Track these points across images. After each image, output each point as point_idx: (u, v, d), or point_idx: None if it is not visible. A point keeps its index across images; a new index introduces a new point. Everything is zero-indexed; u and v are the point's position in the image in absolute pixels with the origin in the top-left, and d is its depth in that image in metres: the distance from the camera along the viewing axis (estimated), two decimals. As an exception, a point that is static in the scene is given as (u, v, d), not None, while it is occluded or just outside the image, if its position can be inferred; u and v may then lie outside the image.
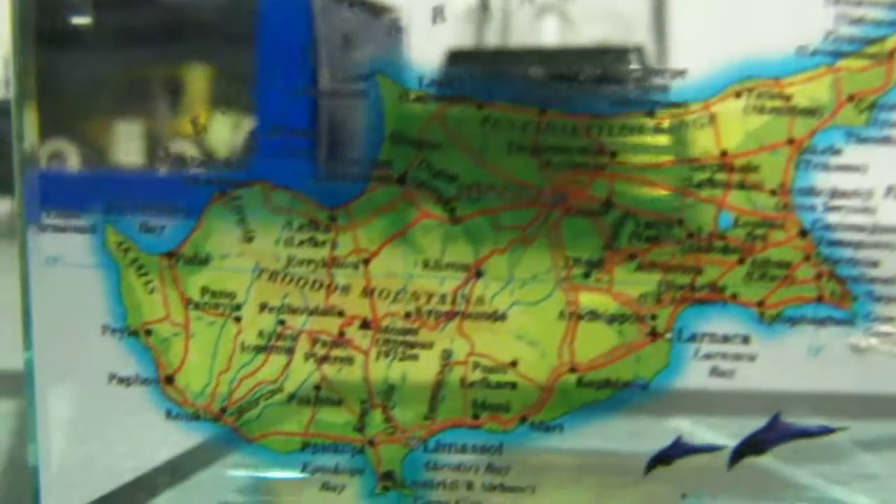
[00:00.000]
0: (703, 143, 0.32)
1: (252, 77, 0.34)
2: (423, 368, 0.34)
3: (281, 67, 0.33)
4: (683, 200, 0.33)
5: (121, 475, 0.36)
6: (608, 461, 0.37)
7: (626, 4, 0.35)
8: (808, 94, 0.32)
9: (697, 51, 0.32)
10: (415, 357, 0.34)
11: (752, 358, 0.33)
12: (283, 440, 0.34)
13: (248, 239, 0.33)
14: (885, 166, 0.32)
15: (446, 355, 0.34)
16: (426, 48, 0.32)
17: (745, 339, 0.33)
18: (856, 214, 0.33)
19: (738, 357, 0.33)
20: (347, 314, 0.34)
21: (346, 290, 0.34)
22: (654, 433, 0.35)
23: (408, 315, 0.34)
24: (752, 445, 0.35)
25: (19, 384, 0.35)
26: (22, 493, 0.35)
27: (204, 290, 0.34)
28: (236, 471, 0.36)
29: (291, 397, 0.34)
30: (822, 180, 0.33)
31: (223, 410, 0.34)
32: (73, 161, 0.35)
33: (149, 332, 0.34)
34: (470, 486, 0.35)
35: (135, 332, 0.34)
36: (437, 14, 0.32)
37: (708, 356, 0.33)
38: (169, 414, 0.34)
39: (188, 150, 0.33)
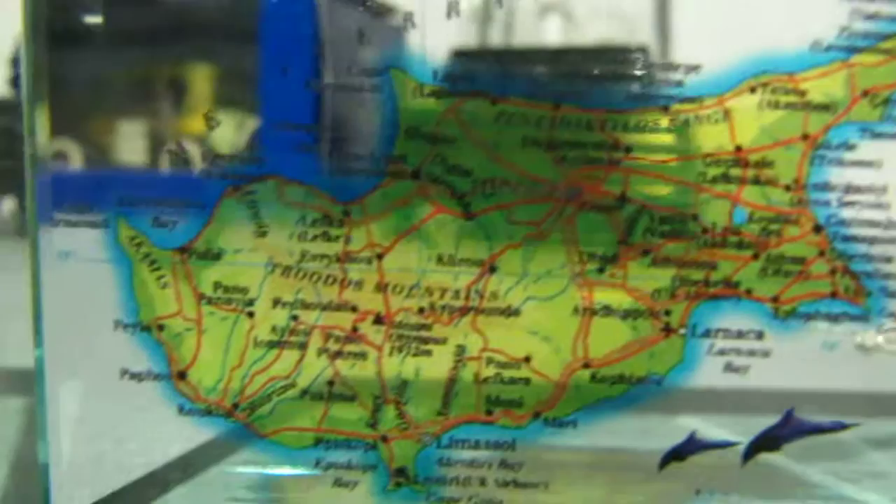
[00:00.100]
0: (718, 138, 0.32)
1: (257, 74, 0.34)
2: (437, 364, 0.34)
3: (288, 62, 0.32)
4: (698, 196, 0.33)
5: (132, 471, 0.36)
6: (620, 458, 0.37)
7: (630, 3, 0.35)
8: (823, 89, 0.32)
9: (705, 47, 0.32)
10: (428, 352, 0.34)
11: (766, 354, 0.33)
12: (295, 436, 0.34)
13: (262, 234, 0.33)
14: (900, 162, 0.33)
15: (460, 351, 0.34)
16: (440, 43, 0.32)
17: (760, 335, 0.33)
18: (870, 210, 0.33)
19: (752, 353, 0.33)
20: (361, 309, 0.34)
21: (359, 285, 0.33)
22: (665, 431, 0.35)
23: (421, 310, 0.34)
24: (766, 441, 0.34)
25: (28, 382, 0.34)
26: (33, 490, 0.35)
27: (217, 285, 0.34)
28: (246, 468, 0.36)
29: (304, 393, 0.34)
30: (837, 176, 0.33)
31: (235, 406, 0.34)
32: (76, 161, 0.35)
33: (161, 328, 0.34)
34: (483, 482, 0.34)
35: (147, 328, 0.34)
36: (452, 8, 0.32)
37: (722, 352, 0.33)
38: (181, 409, 0.34)
39: (194, 150, 0.33)
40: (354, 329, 0.34)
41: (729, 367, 0.33)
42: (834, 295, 0.33)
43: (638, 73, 0.32)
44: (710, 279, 0.33)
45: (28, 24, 0.33)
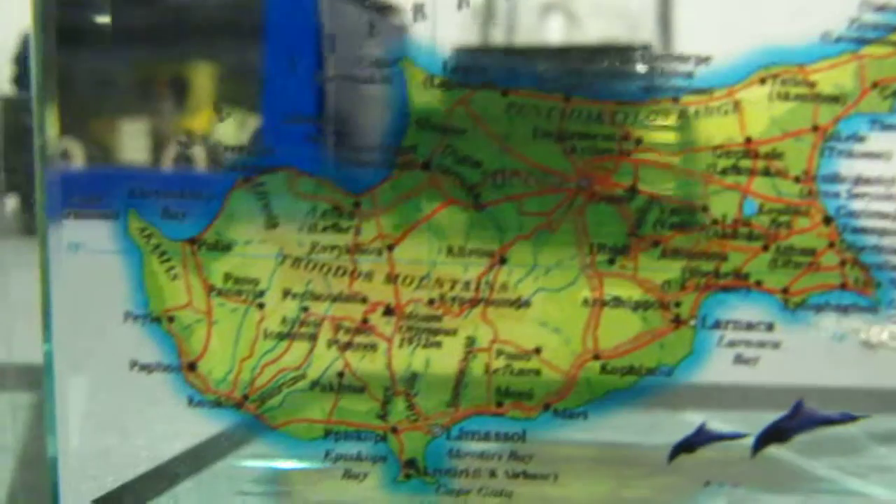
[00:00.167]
0: (728, 129, 0.33)
1: (261, 71, 0.34)
2: (447, 355, 0.34)
3: (295, 54, 0.32)
4: (708, 187, 0.33)
5: (141, 463, 0.36)
6: (628, 453, 0.37)
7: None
8: (833, 80, 0.32)
9: (709, 40, 0.32)
10: (438, 344, 0.34)
11: (776, 345, 0.33)
12: (305, 427, 0.34)
13: (272, 225, 0.33)
14: (910, 154, 0.33)
15: (470, 342, 0.34)
16: (450, 35, 0.32)
17: (770, 327, 0.33)
18: (880, 202, 0.33)
19: (762, 344, 0.33)
20: (371, 301, 0.34)
21: (369, 276, 0.33)
22: (672, 426, 0.35)
23: (431, 302, 0.34)
24: (776, 433, 0.34)
25: (36, 378, 0.34)
26: (41, 484, 0.35)
27: (227, 277, 0.34)
28: (255, 461, 0.36)
29: (314, 384, 0.34)
30: (847, 167, 0.33)
31: (245, 397, 0.34)
32: (78, 160, 0.35)
33: (171, 319, 0.34)
34: (493, 473, 0.34)
35: (157, 319, 0.34)
36: (463, 0, 0.32)
37: (732, 343, 0.33)
38: (191, 401, 0.34)
39: (199, 150, 0.34)
40: (364, 320, 0.34)
41: (739, 359, 0.33)
42: (843, 286, 0.33)
43: (641, 71, 0.32)
44: (720, 270, 0.33)
45: (37, 23, 0.33)
